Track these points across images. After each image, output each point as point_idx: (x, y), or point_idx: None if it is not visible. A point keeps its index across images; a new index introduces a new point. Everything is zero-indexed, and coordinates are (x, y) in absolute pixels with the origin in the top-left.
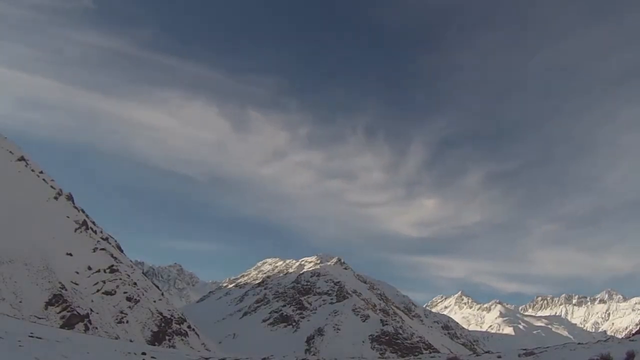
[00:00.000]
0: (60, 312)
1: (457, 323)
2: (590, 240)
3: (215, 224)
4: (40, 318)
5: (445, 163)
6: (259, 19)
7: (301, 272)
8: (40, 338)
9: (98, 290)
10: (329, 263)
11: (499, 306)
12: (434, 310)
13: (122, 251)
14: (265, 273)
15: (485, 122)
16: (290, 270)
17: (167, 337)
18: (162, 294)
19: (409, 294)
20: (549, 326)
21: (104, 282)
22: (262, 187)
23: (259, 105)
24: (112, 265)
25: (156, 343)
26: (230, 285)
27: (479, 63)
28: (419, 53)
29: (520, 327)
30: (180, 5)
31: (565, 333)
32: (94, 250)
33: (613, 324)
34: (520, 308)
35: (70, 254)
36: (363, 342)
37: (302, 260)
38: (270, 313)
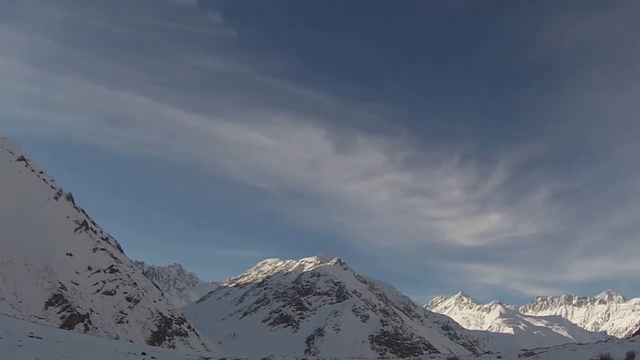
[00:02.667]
0: (60, 312)
1: (457, 323)
2: (625, 249)
3: (278, 234)
4: (40, 318)
5: (519, 183)
6: (383, 52)
7: (301, 272)
8: (40, 338)
9: (98, 291)
10: (329, 263)
11: (499, 306)
12: (434, 310)
13: (122, 251)
14: (265, 273)
15: (563, 146)
16: (290, 271)
17: (167, 337)
18: (162, 294)
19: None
20: (549, 326)
21: (104, 282)
22: (340, 203)
23: (369, 130)
24: (112, 265)
25: (156, 343)
26: (230, 286)
27: (573, 98)
28: (522, 88)
29: (520, 327)
30: (313, 37)
31: (565, 333)
32: (94, 250)
33: (613, 324)
34: (520, 308)
35: (70, 254)
36: (363, 342)
37: (302, 261)
38: (270, 313)
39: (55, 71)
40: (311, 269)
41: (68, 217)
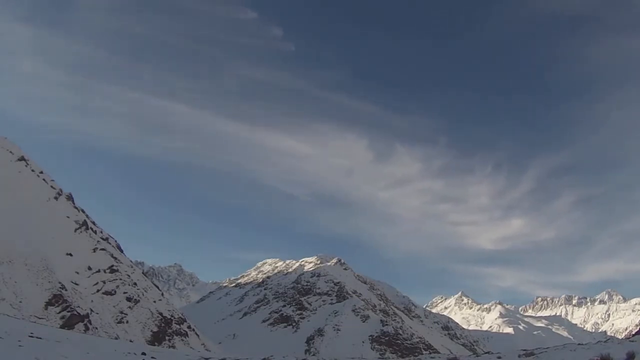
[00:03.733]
0: (60, 312)
1: (457, 323)
2: (635, 251)
3: (296, 238)
4: (40, 318)
5: (545, 190)
6: (427, 67)
7: (301, 272)
8: (40, 338)
9: (98, 291)
10: (329, 263)
11: (499, 307)
12: (434, 310)
13: (122, 251)
14: (265, 273)
15: (589, 156)
16: (290, 271)
17: (167, 338)
18: (162, 294)
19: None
20: (549, 327)
21: (104, 282)
22: (369, 209)
23: (408, 139)
24: (112, 266)
25: (156, 343)
26: (231, 286)
27: (603, 112)
28: (555, 102)
29: (521, 327)
30: (362, 52)
31: (565, 333)
32: (94, 250)
33: (613, 324)
34: (520, 308)
35: (70, 254)
36: (363, 342)
37: (302, 261)
38: (270, 313)
39: (96, 78)
40: (311, 269)
41: (68, 217)
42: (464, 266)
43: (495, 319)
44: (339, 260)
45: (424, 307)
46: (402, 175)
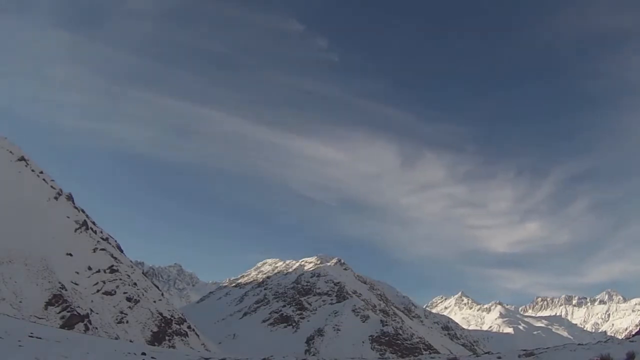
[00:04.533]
0: (60, 312)
1: (457, 324)
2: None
3: (314, 241)
4: (40, 318)
5: (563, 195)
6: (463, 77)
7: (301, 272)
8: (40, 338)
9: (98, 291)
10: (329, 263)
11: (499, 307)
12: (434, 311)
13: (122, 251)
14: (265, 273)
15: (607, 163)
16: (290, 271)
17: (167, 338)
18: (162, 294)
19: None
20: (549, 327)
21: (104, 282)
22: (390, 213)
23: (437, 146)
24: (112, 266)
25: (156, 343)
26: (231, 286)
27: (625, 121)
28: (579, 111)
29: (521, 327)
30: (405, 61)
31: (565, 334)
32: (94, 250)
33: (613, 324)
34: (520, 309)
35: (70, 254)
36: (363, 342)
37: (302, 261)
38: (270, 313)
39: (131, 85)
40: (311, 269)
41: (68, 217)
42: (478, 269)
43: (495, 319)
44: (339, 261)
45: (424, 307)
46: (426, 181)
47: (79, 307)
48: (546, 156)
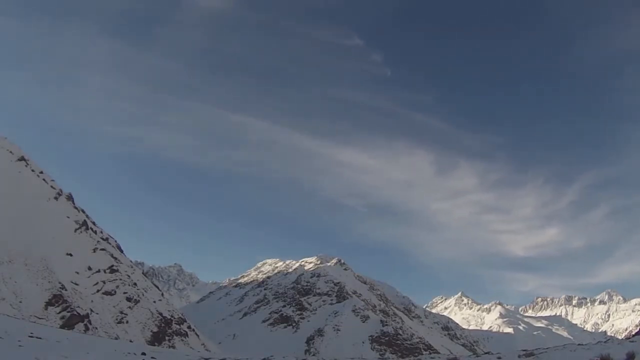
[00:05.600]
0: (60, 312)
1: (457, 324)
2: None
3: (336, 246)
4: (40, 318)
5: (585, 201)
6: (501, 92)
7: (301, 272)
8: (40, 338)
9: (98, 291)
10: (329, 264)
11: (499, 307)
12: (434, 311)
13: (122, 251)
14: (265, 273)
15: (630, 170)
16: (290, 271)
17: (167, 338)
18: (162, 295)
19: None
20: (549, 327)
21: (104, 282)
22: (418, 218)
23: (472, 156)
24: (112, 266)
25: (156, 343)
26: (231, 286)
27: None
28: (618, 122)
29: (521, 327)
30: (447, 76)
31: (565, 334)
32: (94, 250)
33: (613, 325)
34: (520, 309)
35: (70, 254)
36: (363, 342)
37: (302, 261)
38: (270, 314)
39: (172, 93)
40: (311, 270)
41: (68, 217)
42: (494, 272)
43: (495, 319)
44: (339, 261)
45: (424, 307)
46: (458, 188)
47: (79, 307)
48: (573, 164)
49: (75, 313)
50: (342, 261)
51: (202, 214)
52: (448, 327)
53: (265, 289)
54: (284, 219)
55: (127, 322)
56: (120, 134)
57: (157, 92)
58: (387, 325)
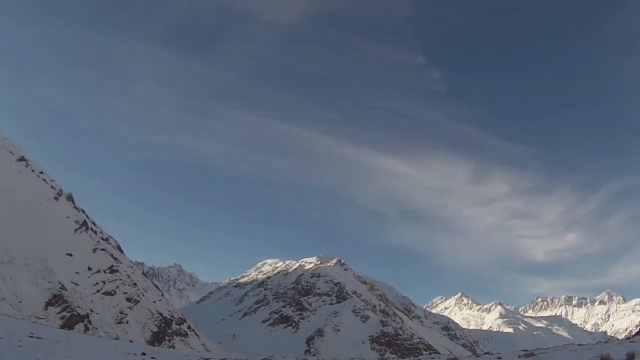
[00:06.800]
0: (60, 312)
1: (457, 324)
2: None
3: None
4: (40, 318)
5: (607, 208)
6: (542, 100)
7: (301, 272)
8: (40, 338)
9: (98, 291)
10: (329, 264)
11: (499, 307)
12: (434, 311)
13: (122, 251)
14: (265, 274)
15: None
16: (290, 271)
17: (167, 338)
18: (162, 295)
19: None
20: (549, 327)
21: (104, 282)
22: (445, 223)
23: (507, 164)
24: (112, 266)
25: (156, 343)
26: (231, 286)
27: None
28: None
29: (521, 328)
30: (497, 90)
31: (565, 334)
32: (94, 250)
33: (613, 325)
34: (520, 309)
35: (70, 254)
36: (363, 343)
37: (302, 261)
38: (270, 314)
39: (216, 101)
40: (311, 270)
41: (68, 217)
42: (511, 275)
43: (495, 319)
44: (339, 261)
45: (424, 307)
46: (489, 196)
47: (79, 307)
48: (599, 173)
49: (75, 313)
50: (342, 261)
51: (215, 214)
52: (448, 327)
53: (265, 289)
54: (311, 222)
55: (127, 322)
56: (149, 141)
57: (202, 100)
58: (387, 325)
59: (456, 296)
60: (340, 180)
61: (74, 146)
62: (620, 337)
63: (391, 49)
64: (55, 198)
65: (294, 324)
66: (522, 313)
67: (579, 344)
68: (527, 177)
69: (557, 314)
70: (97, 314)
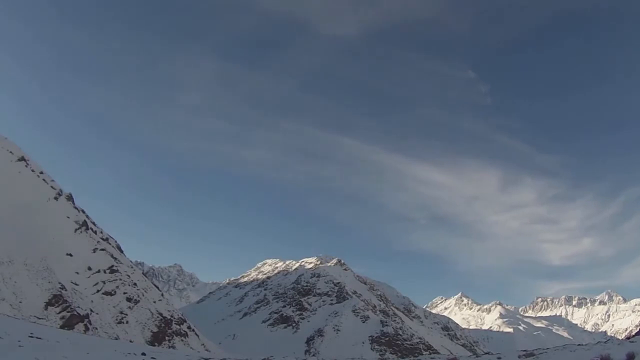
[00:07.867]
0: (60, 312)
1: (457, 324)
2: None
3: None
4: (40, 318)
5: (625, 214)
6: (575, 112)
7: (301, 273)
8: (40, 338)
9: (98, 291)
10: (329, 264)
11: (499, 307)
12: (434, 311)
13: (122, 252)
14: (265, 274)
15: None
16: (290, 271)
17: (167, 338)
18: (162, 295)
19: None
20: (549, 327)
21: (104, 282)
22: (469, 228)
23: (537, 173)
24: (112, 266)
25: (156, 343)
26: (230, 286)
27: None
28: None
29: (521, 328)
30: (537, 99)
31: (565, 334)
32: (94, 250)
33: (613, 325)
34: (520, 309)
35: (70, 254)
36: (363, 343)
37: (302, 261)
38: (270, 314)
39: (268, 112)
40: (311, 270)
41: (68, 217)
42: (525, 279)
43: (495, 319)
44: (339, 261)
45: (424, 307)
46: (516, 202)
47: (79, 307)
48: (624, 180)
49: (75, 313)
50: (342, 261)
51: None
52: (448, 328)
53: (265, 289)
54: (335, 225)
55: (127, 322)
56: (149, 140)
57: (252, 110)
58: (387, 325)
59: (456, 296)
60: (373, 185)
61: (74, 146)
62: (620, 337)
63: (444, 65)
64: (55, 198)
65: (294, 324)
66: (522, 313)
67: (579, 344)
68: (554, 184)
69: (557, 314)
70: (97, 314)
